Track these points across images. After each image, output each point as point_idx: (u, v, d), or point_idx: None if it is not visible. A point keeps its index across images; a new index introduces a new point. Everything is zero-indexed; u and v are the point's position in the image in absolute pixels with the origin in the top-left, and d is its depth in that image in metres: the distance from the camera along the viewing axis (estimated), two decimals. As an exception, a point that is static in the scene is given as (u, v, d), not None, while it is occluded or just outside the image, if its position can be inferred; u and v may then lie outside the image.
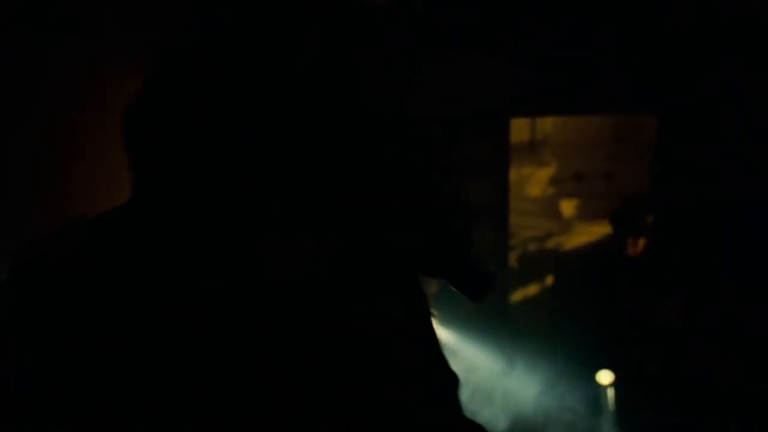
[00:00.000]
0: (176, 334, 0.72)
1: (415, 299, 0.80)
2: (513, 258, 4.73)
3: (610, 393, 3.46)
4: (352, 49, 0.83)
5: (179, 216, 0.78)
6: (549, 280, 4.74)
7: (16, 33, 1.59)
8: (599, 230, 4.42)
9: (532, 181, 5.18)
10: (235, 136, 0.80)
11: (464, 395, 0.81)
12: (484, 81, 3.80)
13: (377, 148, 0.83)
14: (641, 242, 3.47)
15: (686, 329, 3.49)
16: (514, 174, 4.39)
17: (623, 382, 3.44)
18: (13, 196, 1.64)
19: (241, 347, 0.72)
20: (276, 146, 0.79)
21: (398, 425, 0.73)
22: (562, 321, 3.85)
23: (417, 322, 0.79)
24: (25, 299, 0.78)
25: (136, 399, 0.71)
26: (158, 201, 0.80)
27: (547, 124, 5.14)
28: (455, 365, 0.81)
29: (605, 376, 3.47)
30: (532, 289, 4.75)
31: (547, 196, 5.21)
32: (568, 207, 5.17)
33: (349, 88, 0.82)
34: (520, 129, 4.77)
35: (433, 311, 0.81)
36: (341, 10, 0.84)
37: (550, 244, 5.01)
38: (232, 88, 0.81)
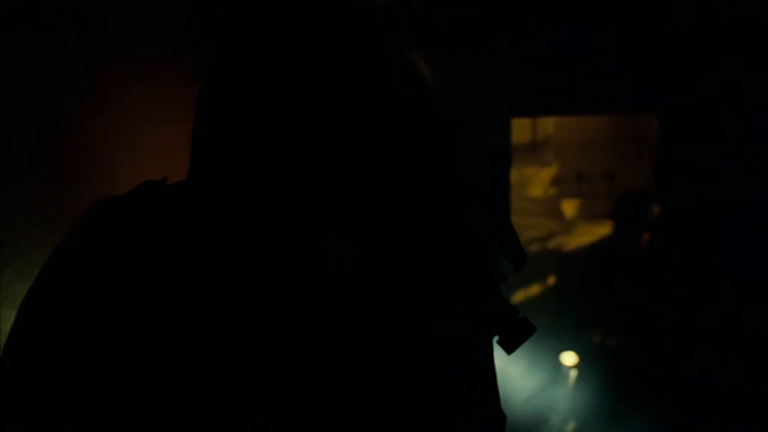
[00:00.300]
0: (176, 334, 0.72)
1: (462, 320, 0.79)
2: (514, 259, 4.71)
3: (573, 374, 3.48)
4: (353, 48, 0.83)
5: (179, 215, 0.78)
6: (551, 280, 4.73)
7: (16, 33, 1.59)
8: (601, 231, 4.42)
9: (533, 181, 5.17)
10: (235, 136, 0.80)
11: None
12: (484, 81, 3.80)
13: (381, 147, 0.83)
14: (645, 236, 3.47)
15: (686, 329, 3.49)
16: (515, 174, 4.38)
17: (624, 381, 3.44)
18: (13, 196, 1.64)
19: (241, 347, 0.72)
20: (275, 146, 0.79)
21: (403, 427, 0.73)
22: (560, 321, 3.85)
23: (457, 340, 0.78)
24: (25, 299, 0.78)
25: (136, 399, 0.71)
26: (158, 201, 0.80)
27: (549, 124, 5.13)
28: None
29: (569, 358, 3.49)
30: (534, 290, 4.74)
31: (548, 197, 5.20)
32: (570, 207, 5.16)
33: (351, 86, 0.82)
34: (521, 129, 4.77)
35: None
36: (341, 10, 0.84)
37: (552, 244, 5.00)
38: (231, 87, 0.81)
